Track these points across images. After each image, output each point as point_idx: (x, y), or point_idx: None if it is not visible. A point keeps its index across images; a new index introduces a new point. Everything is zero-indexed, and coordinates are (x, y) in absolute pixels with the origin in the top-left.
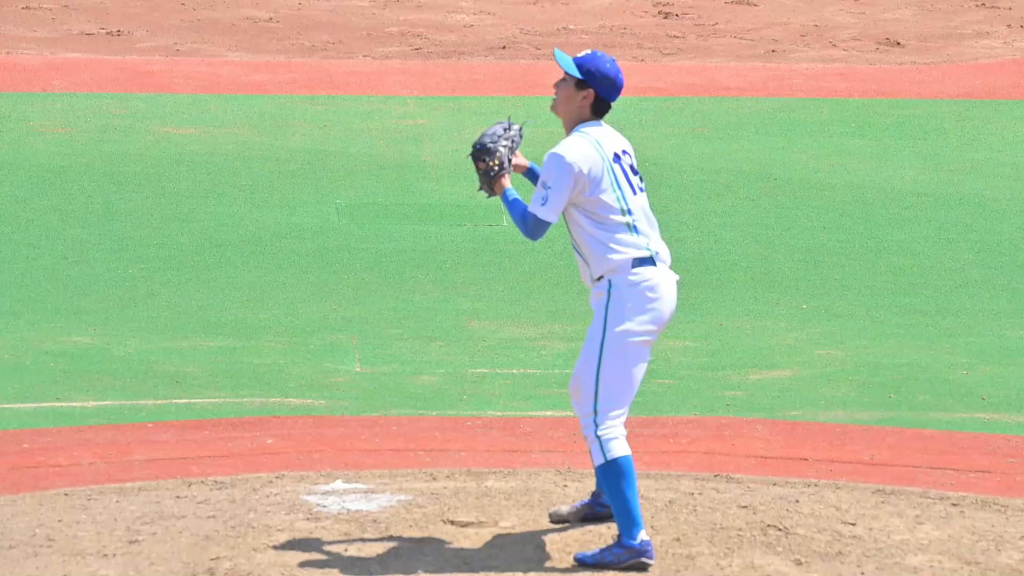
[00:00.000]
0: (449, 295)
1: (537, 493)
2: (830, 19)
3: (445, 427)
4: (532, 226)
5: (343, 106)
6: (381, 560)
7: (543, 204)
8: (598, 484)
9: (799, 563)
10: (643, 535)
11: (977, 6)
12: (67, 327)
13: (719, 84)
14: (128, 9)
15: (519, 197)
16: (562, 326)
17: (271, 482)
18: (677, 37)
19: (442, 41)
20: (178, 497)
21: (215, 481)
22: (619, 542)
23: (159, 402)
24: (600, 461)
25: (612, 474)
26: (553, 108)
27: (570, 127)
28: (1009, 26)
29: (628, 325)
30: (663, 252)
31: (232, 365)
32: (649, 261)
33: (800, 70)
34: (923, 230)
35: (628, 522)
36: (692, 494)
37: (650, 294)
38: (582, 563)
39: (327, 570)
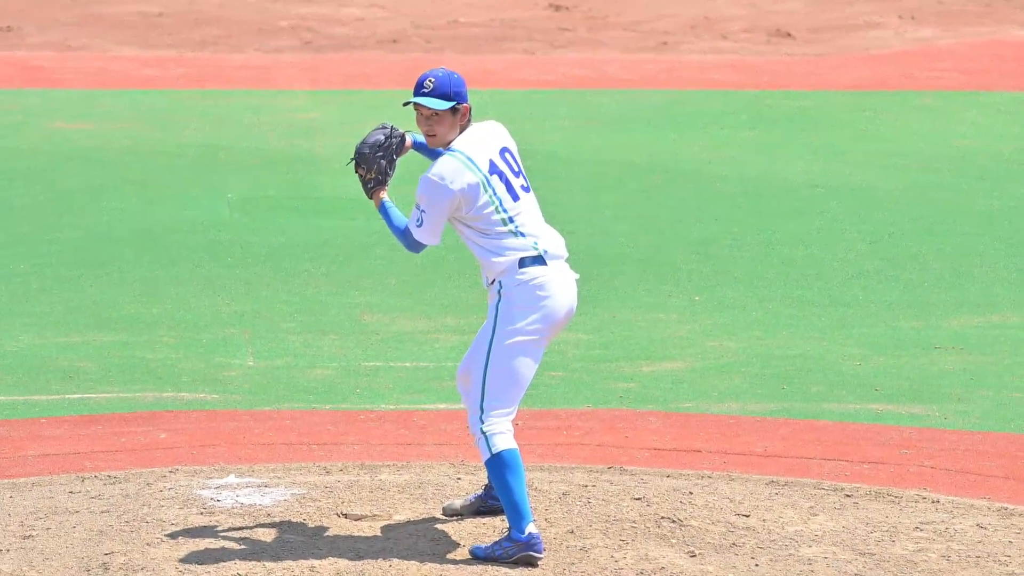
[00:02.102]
0: (342, 288)
1: (431, 486)
2: (720, 11)
3: (338, 420)
4: (410, 243)
5: (234, 100)
6: (275, 553)
7: (419, 225)
8: (489, 478)
9: (693, 555)
10: (531, 528)
11: None
12: None
13: (610, 76)
14: (18, 4)
15: (397, 210)
16: (455, 319)
17: (165, 477)
18: (568, 30)
19: (333, 35)
20: (71, 492)
21: (108, 476)
22: (508, 536)
23: (52, 397)
24: (487, 455)
25: (499, 468)
26: (433, 142)
27: (445, 145)
28: (900, 17)
29: (517, 324)
30: (554, 248)
31: (125, 360)
32: (539, 260)
33: (691, 62)
34: (815, 221)
35: (516, 516)
36: (586, 486)
37: (539, 292)
38: (475, 557)
39: (221, 564)
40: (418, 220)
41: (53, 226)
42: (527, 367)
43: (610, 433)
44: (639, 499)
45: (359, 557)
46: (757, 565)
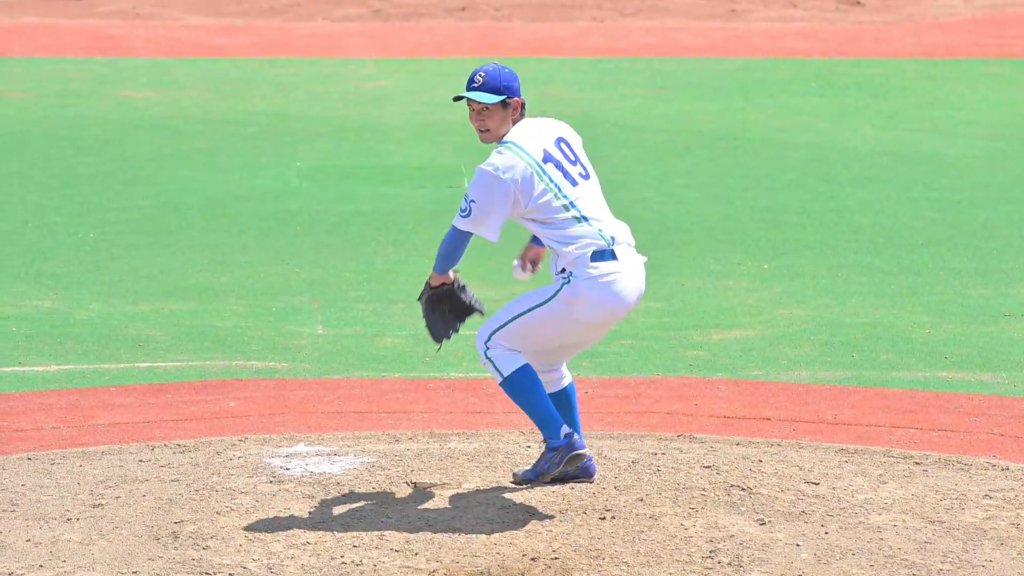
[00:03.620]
0: (410, 257)
1: (500, 454)
2: None
3: (408, 389)
4: (450, 240)
5: (303, 69)
6: (344, 522)
7: (465, 216)
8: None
9: (762, 523)
10: (564, 430)
11: None
12: (29, 291)
13: (679, 44)
14: None
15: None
16: (523, 287)
17: (234, 445)
18: None
19: (401, 3)
20: (141, 461)
21: (178, 444)
22: (547, 447)
23: (121, 366)
24: (499, 379)
25: (514, 387)
26: (486, 138)
27: (499, 140)
28: None
29: (574, 315)
30: (620, 234)
31: (194, 328)
32: (609, 254)
33: (760, 30)
34: (885, 189)
35: (546, 425)
36: (655, 454)
37: (613, 288)
38: (525, 481)
39: (290, 533)
40: (465, 210)
41: (122, 195)
42: (562, 340)
43: (680, 401)
44: (709, 467)
45: (428, 526)
46: (827, 533)
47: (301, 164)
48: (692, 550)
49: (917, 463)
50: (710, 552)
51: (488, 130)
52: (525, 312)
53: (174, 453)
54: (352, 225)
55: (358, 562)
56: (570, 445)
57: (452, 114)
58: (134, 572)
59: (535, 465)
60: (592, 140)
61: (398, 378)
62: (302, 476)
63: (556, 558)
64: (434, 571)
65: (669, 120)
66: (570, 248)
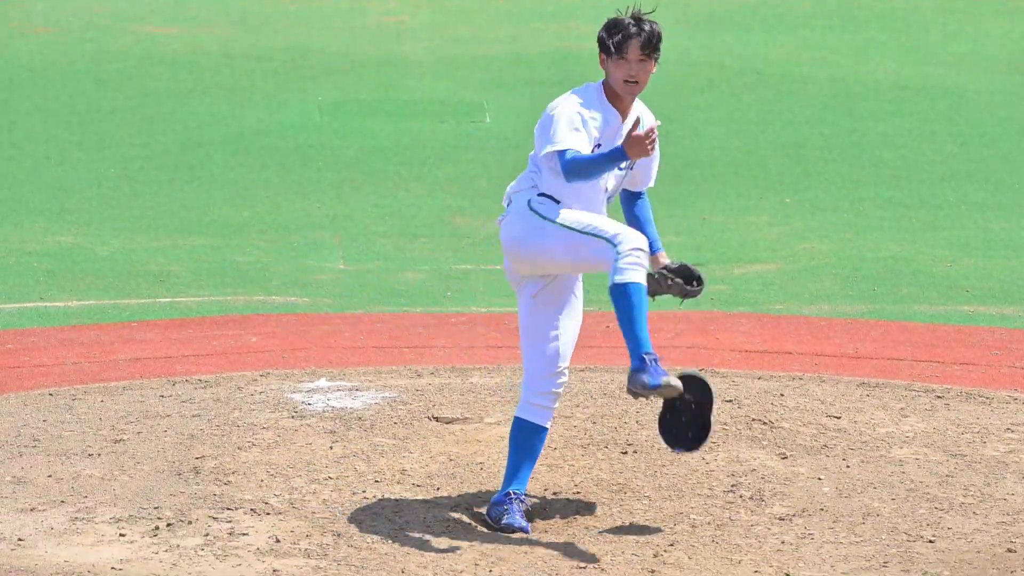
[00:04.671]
0: (432, 192)
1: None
2: None
3: (429, 323)
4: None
5: (325, 4)
6: (366, 457)
7: None
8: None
9: (784, 457)
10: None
11: None
12: (50, 227)
13: None
14: None
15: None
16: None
17: (255, 380)
18: None
19: None
20: (162, 396)
21: (199, 380)
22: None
23: (142, 301)
24: (614, 279)
25: (629, 296)
26: (636, 90)
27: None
28: None
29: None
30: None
31: (215, 263)
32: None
33: None
34: (906, 123)
35: (635, 344)
36: None
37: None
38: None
39: (312, 468)
40: None
41: (144, 130)
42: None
43: (701, 335)
44: (730, 401)
45: (450, 460)
46: (848, 467)
47: (322, 99)
48: (713, 484)
49: (938, 397)
50: (731, 486)
51: (638, 82)
52: (565, 226)
53: (195, 388)
54: (373, 160)
55: (380, 497)
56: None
57: (472, 49)
58: (155, 507)
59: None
60: None
61: (420, 313)
62: (323, 411)
63: (578, 492)
64: (456, 506)
65: (690, 54)
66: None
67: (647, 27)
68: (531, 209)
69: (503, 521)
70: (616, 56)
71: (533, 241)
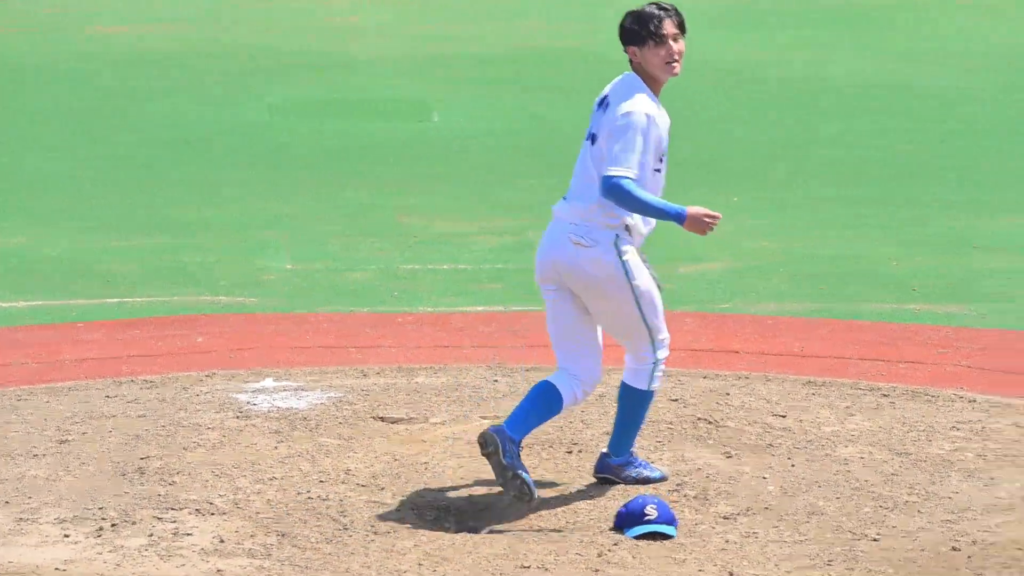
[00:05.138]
0: (381, 191)
1: (468, 388)
2: None
3: (376, 323)
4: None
5: (275, 4)
6: (311, 457)
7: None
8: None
9: (729, 456)
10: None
11: None
12: None
13: None
14: None
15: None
16: (493, 221)
17: (201, 381)
18: None
19: None
20: (108, 397)
21: (145, 380)
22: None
23: (90, 301)
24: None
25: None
26: (680, 66)
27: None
28: None
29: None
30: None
31: (163, 264)
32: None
33: None
34: (859, 121)
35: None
36: None
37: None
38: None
39: (257, 468)
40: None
41: (93, 130)
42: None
43: None
44: (676, 400)
45: (395, 460)
46: (793, 466)
47: (272, 99)
48: (658, 483)
49: (884, 395)
50: (676, 485)
51: (678, 60)
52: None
53: (141, 389)
54: (322, 159)
55: (324, 497)
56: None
57: (423, 49)
58: (100, 508)
59: (638, 474)
60: (569, 73)
61: (366, 312)
62: (269, 411)
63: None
64: (400, 506)
65: None
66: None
67: (673, 8)
68: (620, 257)
69: (644, 475)
70: (654, 40)
71: (605, 292)
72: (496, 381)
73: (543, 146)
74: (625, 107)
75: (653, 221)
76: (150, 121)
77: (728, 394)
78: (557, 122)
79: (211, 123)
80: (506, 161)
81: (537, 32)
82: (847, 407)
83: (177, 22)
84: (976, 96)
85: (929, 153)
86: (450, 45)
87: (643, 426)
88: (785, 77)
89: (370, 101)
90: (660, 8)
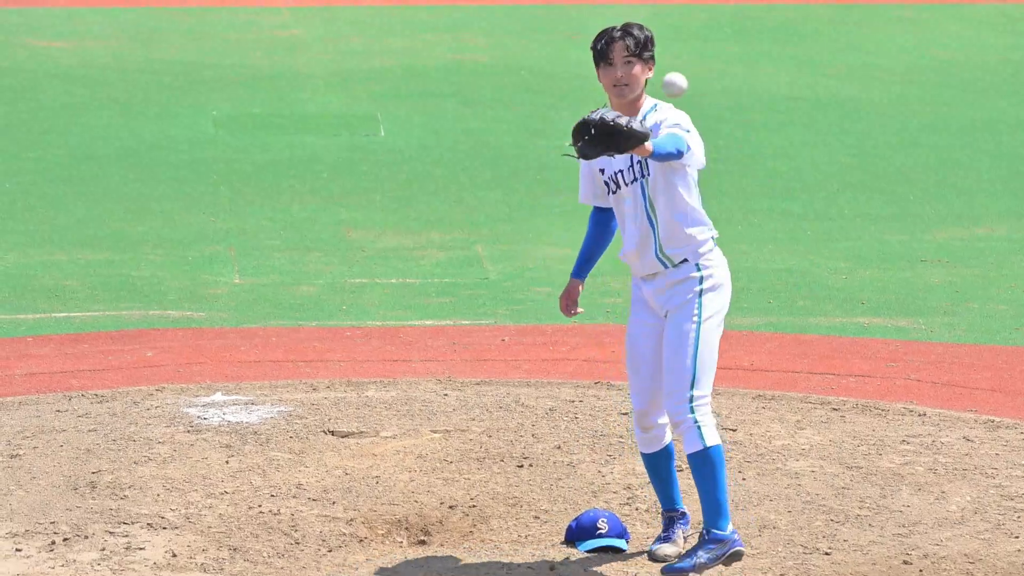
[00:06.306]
0: (327, 205)
1: (418, 402)
2: None
3: (325, 337)
4: (679, 142)
5: (217, 17)
6: (261, 471)
7: (689, 132)
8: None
9: (680, 469)
10: (731, 526)
11: None
12: None
13: None
14: None
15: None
16: (440, 234)
17: (151, 395)
18: None
19: None
20: (58, 411)
21: (95, 394)
22: (710, 537)
23: (38, 316)
24: (697, 448)
25: (708, 462)
26: (629, 91)
27: (637, 98)
28: None
29: (724, 298)
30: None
31: (111, 278)
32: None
33: None
34: (799, 134)
35: (718, 513)
36: (572, 402)
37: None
38: (677, 571)
39: (208, 482)
40: (689, 131)
41: (36, 144)
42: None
43: (597, 348)
44: (626, 414)
45: (346, 475)
46: (744, 479)
47: (216, 113)
48: (610, 497)
49: (834, 409)
50: (628, 499)
51: (632, 86)
52: (696, 340)
53: (91, 403)
54: (268, 173)
55: (276, 511)
56: (735, 541)
57: (366, 62)
58: (52, 522)
59: (690, 554)
60: (507, 87)
61: (315, 327)
62: (219, 425)
63: (474, 506)
64: (351, 520)
65: (583, 66)
66: (702, 228)
67: (633, 30)
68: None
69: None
70: (604, 63)
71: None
72: (446, 395)
73: (486, 161)
74: (679, 115)
75: (631, 251)
76: (92, 136)
77: None
78: (498, 135)
79: (155, 137)
80: (450, 176)
81: (476, 46)
82: (797, 421)
83: (118, 38)
84: (914, 109)
85: (868, 166)
86: (391, 59)
87: (595, 439)
88: (723, 89)
89: (315, 115)
90: (618, 30)
